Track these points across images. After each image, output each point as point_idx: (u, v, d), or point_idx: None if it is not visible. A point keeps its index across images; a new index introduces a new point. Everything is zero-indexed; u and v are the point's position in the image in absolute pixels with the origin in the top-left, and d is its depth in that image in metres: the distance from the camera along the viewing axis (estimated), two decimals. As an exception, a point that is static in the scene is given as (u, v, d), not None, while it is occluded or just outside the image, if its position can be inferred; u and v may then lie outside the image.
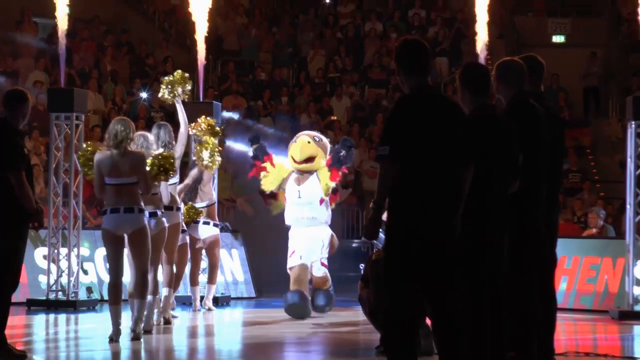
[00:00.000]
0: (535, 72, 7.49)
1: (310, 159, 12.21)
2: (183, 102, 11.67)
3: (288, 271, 12.28)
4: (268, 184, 12.54)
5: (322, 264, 12.34)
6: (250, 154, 12.72)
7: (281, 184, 12.46)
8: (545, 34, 25.11)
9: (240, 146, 16.92)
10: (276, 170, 12.47)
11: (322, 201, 12.31)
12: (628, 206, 14.00)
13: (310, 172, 12.26)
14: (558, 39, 25.10)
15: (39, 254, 14.04)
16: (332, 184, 12.34)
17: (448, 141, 6.23)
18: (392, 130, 6.25)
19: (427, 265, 6.17)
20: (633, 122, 13.75)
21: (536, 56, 7.68)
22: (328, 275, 12.56)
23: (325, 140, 12.70)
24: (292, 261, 12.26)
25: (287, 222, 12.51)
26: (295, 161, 12.26)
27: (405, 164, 6.17)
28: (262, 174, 12.49)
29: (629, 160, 13.85)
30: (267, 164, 12.45)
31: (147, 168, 9.87)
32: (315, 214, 12.31)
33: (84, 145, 10.77)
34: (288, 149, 12.58)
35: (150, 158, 10.04)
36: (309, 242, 12.24)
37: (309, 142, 12.30)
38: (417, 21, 25.32)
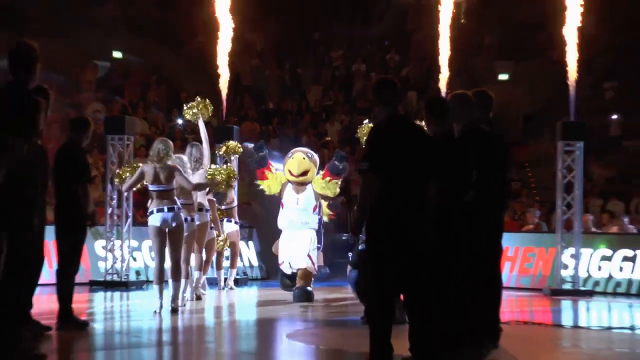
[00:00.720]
0: (486, 103, 7.53)
1: (305, 173, 11.79)
2: (207, 123, 11.61)
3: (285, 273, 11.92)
4: (268, 189, 12.17)
5: (309, 257, 11.66)
6: (256, 158, 12.28)
7: (280, 190, 12.01)
8: (493, 73, 25.15)
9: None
10: (276, 177, 12.03)
11: (314, 209, 11.88)
12: (558, 208, 14.10)
13: (305, 183, 11.86)
14: (503, 77, 25.16)
15: (99, 245, 14.08)
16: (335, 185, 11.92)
17: (415, 158, 6.28)
18: (371, 150, 6.31)
19: (402, 256, 6.20)
20: (562, 142, 13.89)
21: (486, 90, 7.71)
22: (313, 268, 11.74)
23: (315, 156, 12.22)
24: (284, 269, 11.89)
25: (280, 226, 11.98)
26: (292, 174, 11.81)
27: (381, 176, 6.22)
28: (263, 182, 12.09)
29: (558, 171, 13.94)
30: (267, 173, 12.04)
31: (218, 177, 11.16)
32: (307, 219, 11.79)
33: (125, 167, 10.89)
34: (284, 163, 12.13)
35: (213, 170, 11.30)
36: (296, 248, 11.68)
37: (304, 159, 11.84)
38: (393, 63, 25.41)
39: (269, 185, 12.06)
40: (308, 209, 11.81)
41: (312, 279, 11.83)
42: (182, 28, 25.19)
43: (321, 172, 11.99)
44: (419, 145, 6.35)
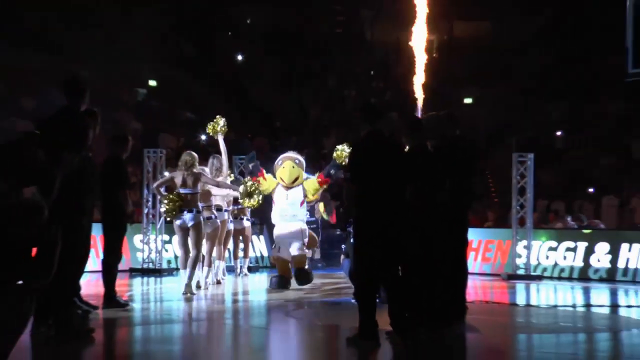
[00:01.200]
0: (454, 122, 7.52)
1: (296, 180, 10.92)
2: (225, 138, 11.36)
3: (272, 260, 11.18)
4: (265, 191, 11.11)
5: (304, 245, 10.90)
6: (250, 168, 11.44)
7: (271, 192, 11.05)
8: (460, 96, 25.16)
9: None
10: (267, 182, 10.99)
11: (302, 203, 11.09)
12: (513, 208, 14.11)
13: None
14: (468, 100, 25.16)
15: (137, 239, 14.05)
16: (320, 188, 11.17)
17: (389, 168, 6.29)
18: (352, 162, 6.37)
19: (381, 243, 6.23)
20: (515, 154, 13.93)
21: (454, 112, 7.70)
22: (306, 254, 11.06)
23: (303, 161, 11.23)
24: (274, 252, 11.19)
25: (273, 221, 11.18)
26: (284, 181, 10.94)
27: (361, 184, 6.26)
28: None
29: (513, 178, 13.96)
30: (260, 178, 10.99)
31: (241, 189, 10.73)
32: (296, 212, 10.96)
33: (169, 199, 9.94)
34: (275, 168, 11.16)
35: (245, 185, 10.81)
36: (288, 236, 10.87)
37: (293, 167, 10.93)
38: (377, 89, 25.45)
39: (264, 188, 11.06)
40: (296, 203, 10.94)
41: (307, 261, 11.15)
42: (207, 59, 25.33)
43: (317, 173, 11.33)
44: (391, 157, 6.35)
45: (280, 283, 10.82)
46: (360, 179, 6.25)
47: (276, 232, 11.12)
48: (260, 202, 11.06)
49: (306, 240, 11.07)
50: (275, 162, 11.25)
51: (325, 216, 12.82)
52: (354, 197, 6.27)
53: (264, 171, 11.29)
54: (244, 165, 12.48)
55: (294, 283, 11.10)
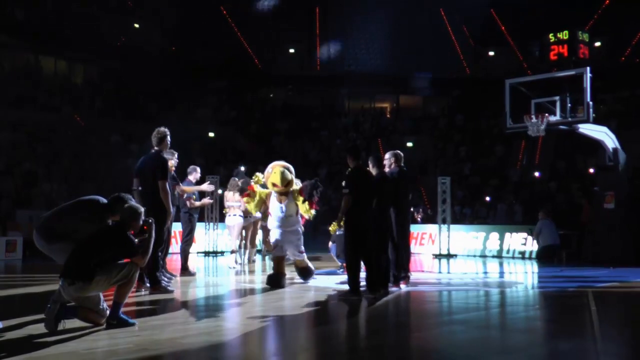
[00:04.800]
0: (401, 158, 7.38)
1: (289, 184, 7.34)
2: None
3: (272, 259, 7.74)
4: (254, 206, 7.70)
5: (300, 252, 7.61)
6: (240, 185, 9.08)
7: (264, 204, 7.66)
8: (404, 142, 24.88)
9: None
10: (257, 195, 7.57)
11: (297, 213, 7.48)
12: (438, 211, 14.10)
13: (287, 194, 7.41)
14: (410, 144, 24.85)
15: (202, 232, 13.92)
16: (313, 211, 7.37)
17: (368, 187, 6.35)
18: (349, 183, 6.34)
19: (363, 231, 6.24)
20: (439, 177, 13.94)
21: (399, 152, 7.39)
22: (305, 257, 7.75)
23: (291, 168, 7.55)
24: (276, 252, 7.50)
25: (270, 227, 7.69)
26: (277, 185, 7.32)
27: (354, 197, 6.26)
28: (246, 199, 7.72)
29: (438, 193, 13.91)
30: (250, 192, 7.63)
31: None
32: (293, 222, 7.43)
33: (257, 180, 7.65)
34: (266, 178, 7.53)
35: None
36: (286, 241, 7.45)
37: (283, 172, 7.32)
38: (352, 138, 25.20)
39: (252, 207, 7.75)
40: (292, 214, 7.45)
41: (308, 264, 7.88)
42: (246, 121, 25.32)
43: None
44: (370, 181, 6.45)
45: (273, 281, 7.39)
46: (353, 193, 6.28)
47: (274, 236, 7.54)
48: None
49: (301, 242, 7.67)
50: (265, 171, 7.58)
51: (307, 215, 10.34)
52: (349, 203, 6.26)
53: (254, 186, 7.72)
54: (239, 180, 9.79)
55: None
